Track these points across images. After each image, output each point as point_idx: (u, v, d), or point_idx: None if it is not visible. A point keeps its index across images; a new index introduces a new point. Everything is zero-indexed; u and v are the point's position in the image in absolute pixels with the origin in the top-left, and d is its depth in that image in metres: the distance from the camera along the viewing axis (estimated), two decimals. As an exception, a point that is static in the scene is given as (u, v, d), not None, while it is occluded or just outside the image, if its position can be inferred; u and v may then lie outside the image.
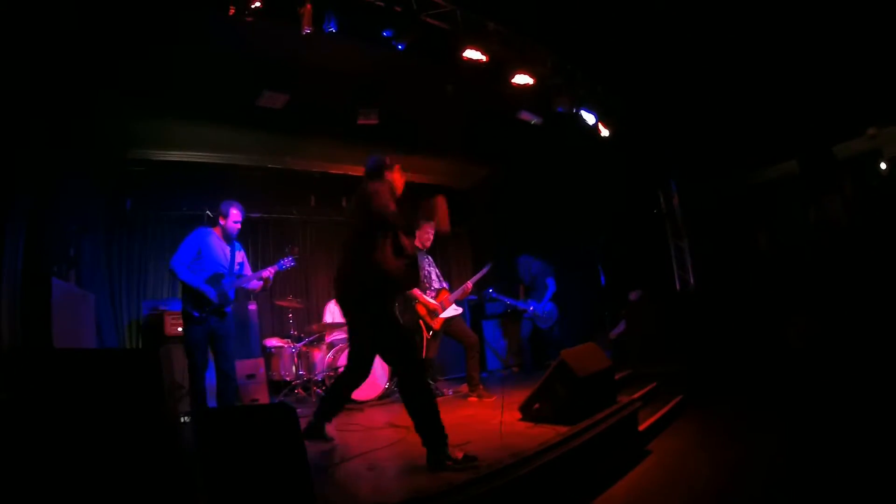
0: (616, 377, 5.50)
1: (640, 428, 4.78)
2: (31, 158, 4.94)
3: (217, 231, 5.68)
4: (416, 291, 6.49)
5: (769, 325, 7.28)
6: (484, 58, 6.55)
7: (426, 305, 6.53)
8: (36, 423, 2.29)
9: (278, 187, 10.30)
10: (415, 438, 4.41)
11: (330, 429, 4.58)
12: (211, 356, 5.42)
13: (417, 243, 6.82)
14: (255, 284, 5.81)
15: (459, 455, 3.44)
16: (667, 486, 3.69)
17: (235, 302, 8.99)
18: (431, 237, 6.93)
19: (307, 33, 5.68)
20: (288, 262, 6.01)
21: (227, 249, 5.70)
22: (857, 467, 3.60)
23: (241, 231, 8.46)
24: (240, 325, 8.10)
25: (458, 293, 6.87)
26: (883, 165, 7.64)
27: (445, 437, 3.61)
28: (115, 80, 6.52)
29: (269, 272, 5.79)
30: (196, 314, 5.23)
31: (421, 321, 6.54)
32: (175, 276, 5.32)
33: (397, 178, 4.53)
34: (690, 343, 7.43)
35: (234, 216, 5.69)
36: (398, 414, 5.98)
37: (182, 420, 4.45)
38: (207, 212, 5.63)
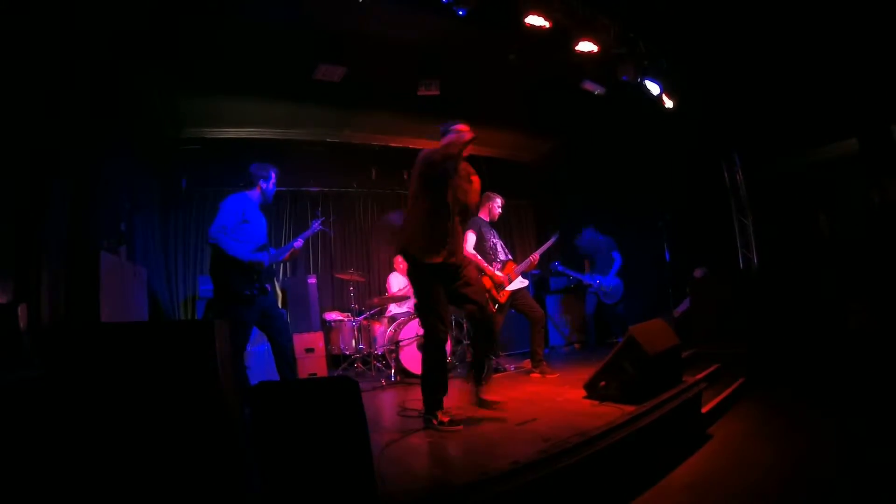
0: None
1: (703, 410, 4.64)
2: (73, 136, 4.98)
3: (253, 197, 5.20)
4: (483, 264, 6.39)
5: (830, 309, 7.03)
6: (547, 24, 6.37)
7: (492, 278, 6.39)
8: (76, 398, 2.28)
9: (337, 161, 10.33)
10: (477, 415, 4.39)
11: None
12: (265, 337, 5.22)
13: (485, 215, 6.75)
14: (284, 256, 5.51)
15: (445, 419, 4.02)
16: (729, 473, 3.58)
17: (295, 276, 9.15)
18: (499, 210, 6.85)
19: (363, 2, 5.59)
20: (316, 225, 5.78)
21: (263, 218, 5.28)
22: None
23: (301, 205, 8.44)
24: (299, 298, 8.17)
25: (524, 265, 6.72)
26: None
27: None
28: (165, 57, 6.60)
29: (298, 243, 5.49)
30: (247, 292, 4.80)
31: (487, 294, 6.43)
32: (220, 248, 4.77)
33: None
34: (754, 324, 7.24)
35: (275, 179, 5.32)
36: (460, 389, 5.96)
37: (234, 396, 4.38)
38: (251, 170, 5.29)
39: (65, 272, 4.74)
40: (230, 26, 6.27)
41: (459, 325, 8.52)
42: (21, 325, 4.00)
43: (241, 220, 4.95)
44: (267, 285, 5.12)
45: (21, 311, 4.04)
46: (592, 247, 9.08)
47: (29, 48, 4.39)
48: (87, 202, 5.34)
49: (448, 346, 7.29)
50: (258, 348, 5.89)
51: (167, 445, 2.30)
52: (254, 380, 4.62)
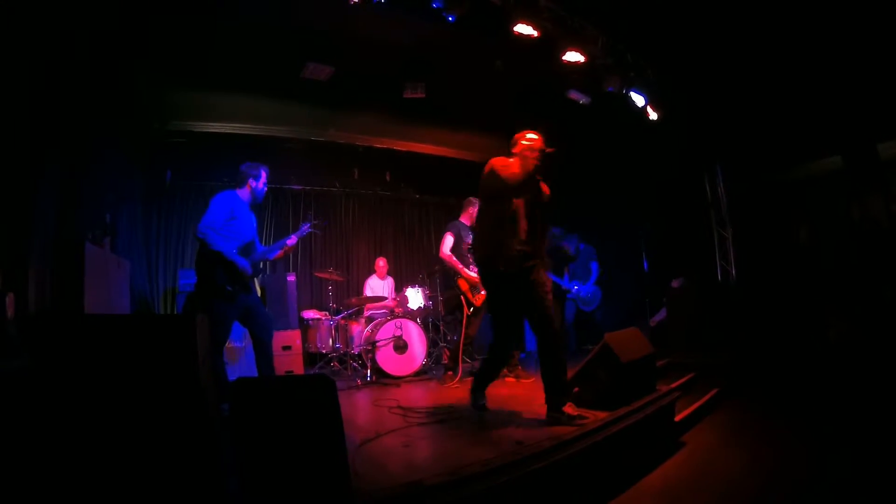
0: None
1: (677, 419, 4.69)
2: (62, 126, 4.95)
3: (243, 196, 5.21)
4: (459, 266, 6.42)
5: (808, 322, 7.12)
6: (535, 33, 6.40)
7: (468, 280, 6.38)
8: (61, 390, 2.27)
9: (321, 160, 10.31)
10: (452, 417, 4.41)
11: None
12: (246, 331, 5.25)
13: (466, 219, 6.76)
14: (276, 253, 5.48)
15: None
16: (701, 480, 3.61)
17: (274, 273, 9.12)
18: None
19: (354, 3, 5.60)
20: (306, 228, 5.67)
21: (252, 217, 5.31)
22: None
23: (282, 203, 8.30)
24: (278, 296, 8.15)
25: None
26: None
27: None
28: (153, 50, 6.55)
29: (292, 240, 5.43)
30: (229, 287, 4.80)
31: (462, 297, 6.44)
32: (206, 244, 4.80)
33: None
34: (730, 335, 7.30)
35: (265, 179, 5.33)
36: (435, 391, 5.98)
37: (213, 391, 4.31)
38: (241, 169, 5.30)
39: (51, 262, 4.72)
40: (220, 22, 6.25)
41: (436, 328, 8.53)
42: (9, 313, 3.98)
43: (229, 217, 4.96)
44: (252, 282, 5.13)
45: (9, 300, 4.02)
46: (572, 254, 9.12)
47: (16, 41, 4.36)
48: (73, 193, 5.31)
49: (424, 349, 7.32)
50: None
51: (145, 439, 2.29)
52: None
